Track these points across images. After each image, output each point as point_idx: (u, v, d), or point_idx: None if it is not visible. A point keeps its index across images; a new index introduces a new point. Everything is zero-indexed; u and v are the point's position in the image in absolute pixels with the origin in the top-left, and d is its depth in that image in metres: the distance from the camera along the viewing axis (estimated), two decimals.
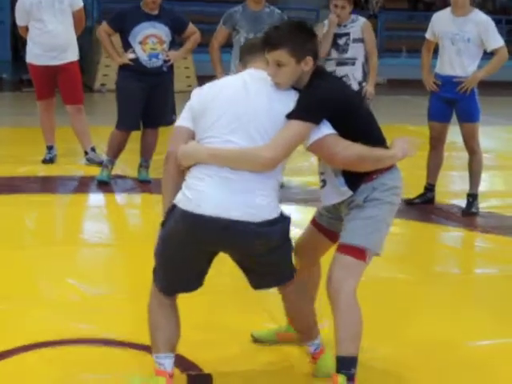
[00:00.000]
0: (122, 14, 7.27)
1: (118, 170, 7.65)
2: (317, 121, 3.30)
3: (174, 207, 3.32)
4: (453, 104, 6.73)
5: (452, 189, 7.92)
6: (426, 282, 5.23)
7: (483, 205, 7.01)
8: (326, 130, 3.35)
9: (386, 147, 3.50)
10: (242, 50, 3.71)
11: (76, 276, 4.98)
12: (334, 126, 3.36)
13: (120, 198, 7.29)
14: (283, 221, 3.34)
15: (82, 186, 7.57)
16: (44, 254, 5.49)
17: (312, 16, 16.87)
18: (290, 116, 3.28)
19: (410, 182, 7.67)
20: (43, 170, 7.92)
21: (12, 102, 13.48)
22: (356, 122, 3.41)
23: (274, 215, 3.30)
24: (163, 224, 3.39)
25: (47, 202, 6.89)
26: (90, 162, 8.07)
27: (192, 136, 3.41)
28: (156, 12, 7.09)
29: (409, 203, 6.98)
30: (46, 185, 7.50)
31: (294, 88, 3.39)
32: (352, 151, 3.35)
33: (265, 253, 3.33)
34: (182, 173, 3.42)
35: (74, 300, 4.64)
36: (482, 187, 7.11)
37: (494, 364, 4.04)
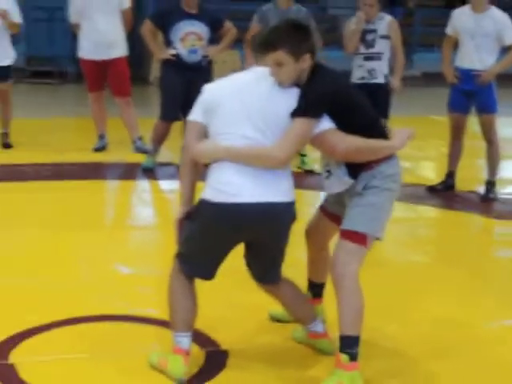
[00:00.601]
0: (164, 12, 7.30)
1: (162, 156, 7.65)
2: (317, 116, 3.26)
3: (202, 202, 3.33)
4: (471, 96, 6.62)
5: (473, 176, 7.77)
6: (442, 265, 5.13)
7: (502, 191, 6.88)
8: (325, 124, 3.31)
9: (387, 139, 3.42)
10: (256, 45, 3.67)
11: (117, 258, 5.03)
12: (334, 119, 3.31)
13: (163, 184, 7.30)
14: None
15: (129, 172, 7.62)
16: (88, 237, 5.51)
17: (349, 12, 16.65)
18: (293, 115, 3.26)
19: (438, 168, 7.64)
20: (94, 158, 7.98)
21: (75, 94, 13.57)
22: (356, 116, 3.36)
23: (293, 197, 3.39)
24: (190, 217, 3.41)
25: (95, 188, 6.94)
26: (138, 150, 8.09)
27: (204, 130, 3.40)
28: (195, 11, 7.06)
29: (431, 190, 6.88)
30: (95, 171, 7.55)
31: (298, 85, 3.34)
32: (350, 144, 3.31)
33: (283, 235, 3.39)
34: (197, 165, 3.44)
35: (110, 279, 4.66)
36: (502, 175, 6.97)
37: (505, 345, 3.94)
